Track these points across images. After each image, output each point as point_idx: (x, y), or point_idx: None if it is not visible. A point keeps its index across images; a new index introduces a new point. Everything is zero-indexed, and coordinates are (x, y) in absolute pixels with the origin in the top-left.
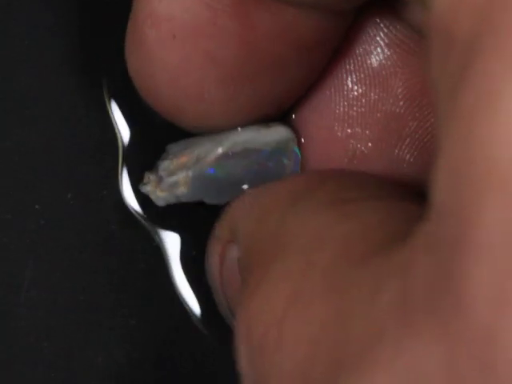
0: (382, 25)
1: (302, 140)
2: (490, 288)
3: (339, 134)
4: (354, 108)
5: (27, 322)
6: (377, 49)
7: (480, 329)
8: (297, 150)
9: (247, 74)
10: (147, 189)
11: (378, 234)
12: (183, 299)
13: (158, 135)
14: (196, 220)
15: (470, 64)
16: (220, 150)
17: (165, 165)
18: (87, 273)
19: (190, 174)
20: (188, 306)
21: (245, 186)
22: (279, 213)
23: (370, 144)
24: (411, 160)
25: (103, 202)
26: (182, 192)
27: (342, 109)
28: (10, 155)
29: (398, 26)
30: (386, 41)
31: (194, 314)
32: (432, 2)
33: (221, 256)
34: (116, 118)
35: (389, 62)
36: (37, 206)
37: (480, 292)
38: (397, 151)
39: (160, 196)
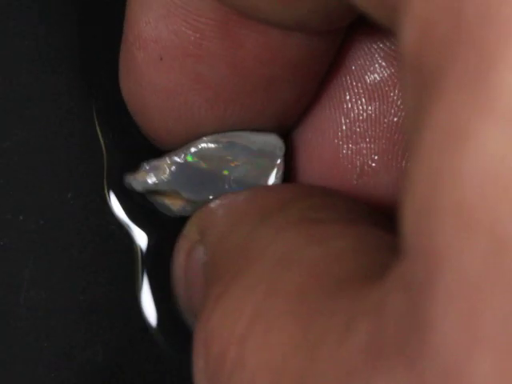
0: (376, 38)
1: (306, 162)
2: (457, 331)
3: (344, 151)
4: (357, 124)
5: (27, 322)
6: (373, 63)
7: (446, 370)
8: (282, 160)
9: (237, 94)
10: (128, 177)
11: (347, 263)
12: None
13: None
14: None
15: (434, 97)
16: (205, 139)
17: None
18: (87, 273)
19: (174, 159)
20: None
21: (225, 187)
22: (249, 225)
23: (376, 157)
24: None
25: (103, 202)
26: (162, 177)
27: (344, 126)
28: (10, 155)
29: (392, 38)
30: (382, 54)
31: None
32: (401, 33)
33: (187, 254)
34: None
35: (386, 75)
36: (37, 206)
37: (447, 335)
38: (404, 162)
39: (138, 179)
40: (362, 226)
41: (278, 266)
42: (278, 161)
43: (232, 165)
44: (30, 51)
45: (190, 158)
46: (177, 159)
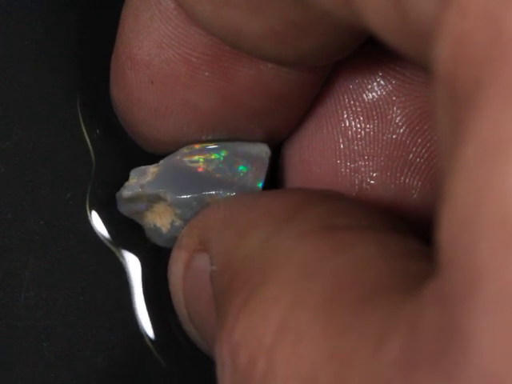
0: (373, 56)
1: (304, 181)
2: (499, 345)
3: (343, 169)
4: (355, 142)
5: (27, 322)
6: (371, 81)
7: (487, 382)
8: (267, 164)
9: (226, 121)
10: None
11: (374, 272)
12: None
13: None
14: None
15: (473, 113)
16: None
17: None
18: (87, 273)
19: (162, 163)
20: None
21: (211, 192)
22: (263, 232)
23: (375, 175)
24: (419, 186)
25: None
26: (148, 179)
27: (342, 145)
28: (10, 155)
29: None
30: (380, 72)
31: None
32: (435, 50)
33: (186, 264)
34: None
35: (384, 93)
36: (37, 206)
37: (487, 349)
38: (403, 178)
39: (126, 185)
40: (382, 233)
41: (302, 275)
42: (264, 162)
43: (218, 167)
44: (30, 51)
45: (177, 161)
46: (164, 162)
